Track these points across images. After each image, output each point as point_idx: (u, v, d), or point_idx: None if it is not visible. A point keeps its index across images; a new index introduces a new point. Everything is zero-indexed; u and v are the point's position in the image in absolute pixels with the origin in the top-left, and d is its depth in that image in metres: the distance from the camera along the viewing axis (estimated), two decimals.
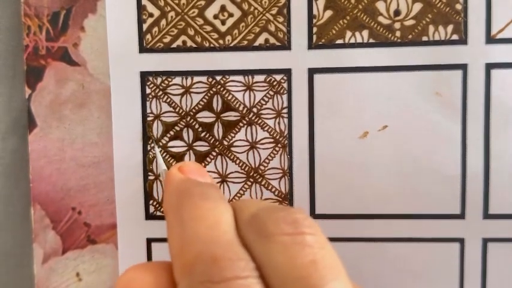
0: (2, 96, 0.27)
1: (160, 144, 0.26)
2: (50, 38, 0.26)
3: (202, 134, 0.26)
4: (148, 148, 0.26)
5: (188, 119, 0.26)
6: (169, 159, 0.26)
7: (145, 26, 0.26)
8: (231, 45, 0.26)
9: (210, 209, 0.17)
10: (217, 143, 0.26)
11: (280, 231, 0.16)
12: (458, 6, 0.25)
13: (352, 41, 0.25)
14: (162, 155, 0.26)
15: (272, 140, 0.26)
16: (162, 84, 0.26)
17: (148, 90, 0.26)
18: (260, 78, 0.26)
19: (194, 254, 0.16)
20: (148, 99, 0.26)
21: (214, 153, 0.26)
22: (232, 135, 0.26)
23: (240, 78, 0.26)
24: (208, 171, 0.26)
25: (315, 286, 0.14)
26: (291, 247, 0.15)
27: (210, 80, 0.26)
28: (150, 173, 0.26)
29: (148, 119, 0.26)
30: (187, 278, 0.15)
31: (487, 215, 0.26)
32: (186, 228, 0.17)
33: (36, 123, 0.27)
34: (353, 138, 0.25)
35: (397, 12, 0.25)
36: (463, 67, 0.25)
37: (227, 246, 0.16)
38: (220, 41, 0.26)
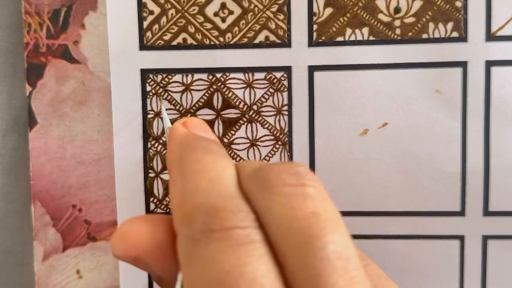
0: (2, 93, 0.27)
1: (161, 141, 0.26)
2: (51, 35, 0.26)
3: None
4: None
5: (188, 116, 0.26)
6: None
7: (145, 24, 0.26)
8: (231, 42, 0.26)
9: (212, 162, 0.17)
10: None
11: (282, 182, 0.16)
12: (458, 4, 0.25)
13: (353, 38, 0.25)
14: (162, 152, 0.26)
15: (272, 138, 0.26)
16: (163, 82, 0.26)
17: (148, 88, 0.26)
18: (260, 75, 0.26)
19: (195, 204, 0.16)
20: (148, 96, 0.26)
21: None
22: (233, 132, 0.26)
23: (240, 75, 0.26)
24: None
25: (314, 236, 0.14)
26: (292, 198, 0.15)
27: (210, 77, 0.26)
28: (150, 171, 0.26)
29: (149, 116, 0.26)
30: (187, 227, 0.15)
31: (487, 212, 0.26)
32: (187, 181, 0.17)
33: (36, 121, 0.27)
34: (353, 136, 0.26)
35: (397, 10, 0.25)
36: (463, 64, 0.25)
37: (228, 198, 0.16)
38: (221, 39, 0.26)
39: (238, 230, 0.15)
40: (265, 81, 0.26)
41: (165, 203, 0.26)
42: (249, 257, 0.14)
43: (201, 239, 0.15)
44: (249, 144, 0.26)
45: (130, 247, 0.17)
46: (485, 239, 0.26)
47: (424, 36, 0.25)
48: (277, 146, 0.26)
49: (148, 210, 0.26)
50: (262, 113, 0.26)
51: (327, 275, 0.14)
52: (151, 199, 0.26)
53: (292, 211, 0.15)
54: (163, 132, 0.26)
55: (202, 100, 0.26)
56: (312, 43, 0.25)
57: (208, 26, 0.26)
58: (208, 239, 0.15)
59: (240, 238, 0.15)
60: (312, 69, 0.25)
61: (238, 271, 0.14)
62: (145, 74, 0.26)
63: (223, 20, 0.26)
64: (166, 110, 0.26)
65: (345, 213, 0.26)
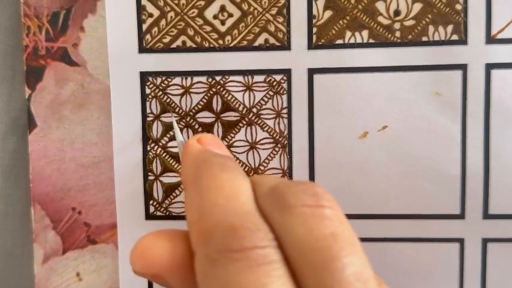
0: (1, 96, 0.27)
1: (160, 144, 0.26)
2: (50, 38, 0.26)
3: None
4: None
5: (188, 119, 0.26)
6: (169, 160, 0.26)
7: (145, 26, 0.26)
8: (231, 45, 0.25)
9: (228, 179, 0.17)
10: None
11: (301, 203, 0.16)
12: (458, 7, 0.25)
13: (352, 41, 0.25)
14: (162, 154, 0.26)
15: (272, 140, 0.26)
16: (162, 85, 0.26)
17: (148, 91, 0.26)
18: (260, 78, 0.26)
19: (212, 223, 0.16)
20: (148, 99, 0.26)
21: None
22: (232, 135, 0.26)
23: (239, 78, 0.26)
24: None
25: (334, 257, 0.14)
26: (311, 219, 0.15)
27: (210, 80, 0.26)
28: (150, 173, 0.26)
29: (148, 118, 0.26)
30: (205, 246, 0.15)
31: (486, 215, 0.26)
32: (204, 198, 0.16)
33: (36, 124, 0.27)
34: (353, 139, 0.25)
35: (397, 13, 0.25)
36: (463, 67, 0.25)
37: (246, 217, 0.16)
38: (220, 41, 0.26)
39: (257, 250, 0.15)
40: (265, 84, 0.26)
41: (164, 205, 0.26)
42: (268, 278, 0.14)
43: (219, 259, 0.15)
44: (248, 147, 0.26)
45: (149, 264, 0.17)
46: (485, 242, 0.26)
47: (424, 39, 0.25)
48: (276, 148, 0.26)
49: (147, 213, 0.26)
50: (261, 116, 0.26)
51: None
52: (151, 202, 0.26)
53: (311, 232, 0.15)
54: (162, 135, 0.26)
55: (201, 103, 0.26)
56: (311, 46, 0.25)
57: (208, 28, 0.26)
58: (226, 259, 0.15)
59: (259, 258, 0.14)
60: (312, 72, 0.25)
61: None
62: (144, 76, 0.26)
63: (223, 22, 0.25)
64: (166, 112, 0.26)
65: None
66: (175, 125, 0.24)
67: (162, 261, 0.17)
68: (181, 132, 0.26)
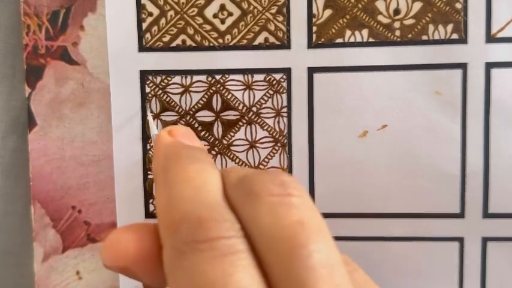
0: (1, 95, 0.27)
1: None
2: (50, 37, 0.26)
3: (202, 133, 0.26)
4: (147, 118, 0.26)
5: (188, 118, 0.26)
6: None
7: (144, 25, 0.26)
8: (231, 44, 0.25)
9: (197, 171, 0.17)
10: (216, 142, 0.26)
11: (267, 192, 0.16)
12: (458, 5, 0.25)
13: (352, 40, 0.25)
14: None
15: (272, 139, 0.26)
16: (162, 83, 0.26)
17: (147, 89, 0.26)
18: (260, 77, 0.26)
19: (179, 214, 0.16)
20: (147, 98, 0.26)
21: (213, 153, 0.26)
22: (232, 134, 0.26)
23: (239, 77, 0.26)
24: None
25: (300, 245, 0.14)
26: (278, 208, 0.15)
27: (210, 79, 0.26)
28: (149, 172, 0.26)
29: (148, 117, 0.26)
30: (172, 238, 0.15)
31: (486, 214, 0.26)
32: (172, 190, 0.16)
33: (36, 122, 0.27)
34: (353, 138, 0.25)
35: (396, 11, 0.25)
36: (463, 66, 0.25)
37: (213, 208, 0.16)
38: (220, 40, 0.26)
39: (222, 240, 0.15)
40: (265, 83, 0.26)
41: None
42: (234, 268, 0.14)
43: (186, 250, 0.15)
44: (248, 146, 0.26)
45: (117, 257, 0.17)
46: (485, 241, 0.26)
47: (424, 37, 0.25)
48: (276, 147, 0.26)
49: (147, 212, 0.26)
50: (261, 115, 0.26)
51: (312, 283, 0.14)
52: (151, 200, 0.26)
53: (277, 220, 0.15)
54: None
55: (201, 102, 0.26)
56: (311, 45, 0.25)
57: (208, 27, 0.26)
58: (192, 250, 0.15)
59: (225, 248, 0.15)
60: (312, 70, 0.25)
61: (223, 282, 0.14)
62: (144, 75, 0.26)
63: (223, 21, 0.25)
64: (166, 110, 0.26)
65: (344, 215, 0.26)
66: (149, 117, 0.24)
67: (129, 254, 0.17)
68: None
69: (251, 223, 0.15)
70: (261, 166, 0.26)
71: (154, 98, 0.26)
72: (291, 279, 0.14)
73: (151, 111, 0.26)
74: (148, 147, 0.26)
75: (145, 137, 0.26)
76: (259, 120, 0.26)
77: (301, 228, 0.15)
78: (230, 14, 0.25)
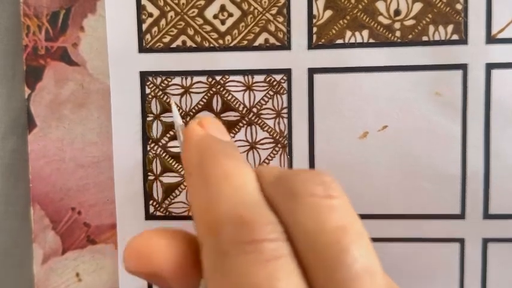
0: (1, 96, 0.27)
1: (160, 144, 0.26)
2: (49, 38, 0.26)
3: None
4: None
5: (188, 119, 0.26)
6: (169, 160, 0.26)
7: (144, 26, 0.26)
8: (231, 45, 0.25)
9: (235, 168, 0.16)
10: None
11: (308, 192, 0.15)
12: (459, 6, 0.25)
13: (352, 40, 0.25)
14: (161, 154, 0.26)
15: (272, 140, 0.26)
16: (162, 84, 0.26)
17: (148, 90, 0.26)
18: (260, 78, 0.26)
19: (221, 213, 0.15)
20: (147, 99, 0.26)
21: None
22: (232, 135, 0.26)
23: (239, 78, 0.26)
24: None
25: (343, 251, 0.14)
26: (319, 210, 0.15)
27: (210, 80, 0.26)
28: (149, 173, 0.26)
29: (148, 118, 0.26)
30: (214, 238, 0.15)
31: (487, 215, 0.26)
32: (211, 187, 0.16)
33: (35, 123, 0.27)
34: (353, 139, 0.25)
35: (397, 12, 0.25)
36: (463, 67, 0.25)
37: (255, 208, 0.15)
38: (220, 41, 0.25)
39: (268, 243, 0.14)
40: (265, 84, 0.26)
41: (164, 206, 0.26)
42: (279, 272, 0.14)
43: (230, 251, 0.14)
44: (248, 147, 0.26)
45: (146, 262, 0.17)
46: (485, 242, 0.26)
47: (424, 38, 0.25)
48: (276, 148, 0.26)
49: (147, 213, 0.26)
50: (261, 116, 0.26)
51: None
52: (151, 202, 0.26)
53: (320, 225, 0.15)
54: (162, 135, 0.26)
55: (201, 103, 0.26)
56: (311, 45, 0.25)
57: (208, 28, 0.25)
58: (237, 251, 0.14)
59: (270, 252, 0.14)
60: (312, 71, 0.25)
61: (268, 286, 0.14)
62: (144, 76, 0.26)
63: (223, 22, 0.25)
64: (166, 112, 0.26)
65: None
66: (174, 108, 0.23)
67: (160, 260, 0.16)
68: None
69: (292, 226, 0.15)
70: None
71: (154, 99, 0.26)
72: (335, 285, 0.14)
73: (152, 112, 0.26)
74: (148, 148, 0.26)
75: (146, 138, 0.26)
76: (260, 121, 0.26)
77: (343, 233, 0.14)
78: (230, 15, 0.25)
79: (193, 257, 0.16)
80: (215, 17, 0.25)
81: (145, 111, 0.26)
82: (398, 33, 0.25)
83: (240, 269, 0.14)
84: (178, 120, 0.22)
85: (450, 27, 0.25)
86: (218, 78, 0.26)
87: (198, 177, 0.17)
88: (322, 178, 0.16)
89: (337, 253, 0.14)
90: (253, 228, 0.15)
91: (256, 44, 0.25)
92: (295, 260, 0.15)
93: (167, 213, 0.26)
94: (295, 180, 0.16)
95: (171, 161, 0.26)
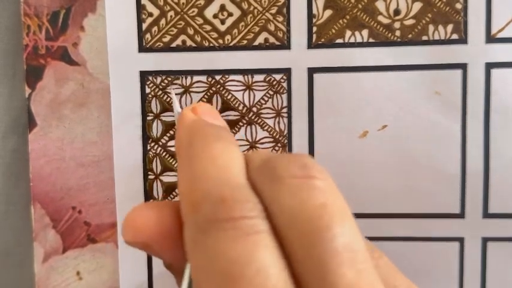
0: (1, 95, 0.27)
1: (160, 143, 0.26)
2: (50, 37, 0.26)
3: None
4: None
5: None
6: (169, 159, 0.26)
7: (144, 26, 0.26)
8: (231, 44, 0.25)
9: (221, 149, 0.17)
10: None
11: (290, 174, 0.15)
12: (458, 6, 0.25)
13: (352, 40, 0.25)
14: (162, 153, 0.26)
15: (272, 140, 0.26)
16: (162, 84, 0.26)
17: (147, 90, 0.26)
18: (260, 77, 0.26)
19: (202, 192, 0.15)
20: (147, 98, 0.26)
21: None
22: (232, 134, 0.26)
23: (239, 77, 0.26)
24: None
25: (323, 228, 0.14)
26: (301, 190, 0.15)
27: (210, 79, 0.26)
28: (150, 172, 0.26)
29: (148, 118, 0.26)
30: (194, 215, 0.15)
31: (486, 214, 0.26)
32: (196, 167, 0.16)
33: (36, 123, 0.27)
34: (353, 138, 0.25)
35: (396, 12, 0.25)
36: (463, 66, 0.25)
37: (236, 188, 0.16)
38: (220, 41, 0.26)
39: (245, 220, 0.15)
40: (265, 83, 0.26)
41: None
42: (256, 247, 0.14)
43: (208, 228, 0.15)
44: (248, 147, 0.26)
45: (138, 233, 0.17)
46: (485, 241, 0.26)
47: (424, 38, 0.25)
48: (276, 148, 0.26)
49: None
50: (261, 115, 0.26)
51: (335, 266, 0.14)
52: (151, 201, 0.26)
53: (300, 202, 0.15)
54: (162, 134, 0.26)
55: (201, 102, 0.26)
56: (311, 45, 0.25)
57: (208, 28, 0.26)
58: (215, 229, 0.15)
59: (247, 228, 0.14)
60: (312, 71, 0.25)
61: (245, 260, 0.14)
62: (144, 76, 0.26)
63: (223, 22, 0.25)
64: (166, 111, 0.26)
65: None
66: (173, 95, 0.23)
67: (149, 230, 0.17)
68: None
69: (273, 205, 0.15)
70: None
71: (154, 99, 0.26)
72: (313, 261, 0.14)
73: (152, 112, 0.26)
74: (148, 147, 0.26)
75: (146, 137, 0.26)
76: (260, 120, 0.26)
77: (324, 211, 0.15)
78: (230, 15, 0.25)
79: (182, 229, 0.17)
80: (215, 16, 0.25)
81: (145, 110, 0.26)
82: (398, 33, 0.25)
83: (218, 245, 0.14)
84: (177, 108, 0.22)
85: (450, 27, 0.25)
86: (218, 77, 0.26)
87: (185, 158, 0.17)
88: (304, 160, 0.16)
89: (317, 229, 0.14)
90: (232, 206, 0.15)
91: (256, 43, 0.25)
92: (274, 237, 0.15)
93: None
94: (278, 162, 0.16)
95: (171, 160, 0.26)
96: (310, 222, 0.14)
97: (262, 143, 0.26)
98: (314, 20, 0.25)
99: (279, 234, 0.15)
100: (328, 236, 0.14)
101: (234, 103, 0.26)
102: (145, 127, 0.26)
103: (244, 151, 0.26)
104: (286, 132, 0.26)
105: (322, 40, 0.25)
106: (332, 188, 0.16)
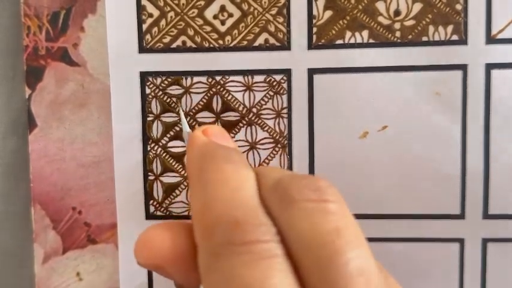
0: (1, 96, 0.27)
1: (160, 144, 0.26)
2: (50, 38, 0.26)
3: None
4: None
5: (188, 119, 0.26)
6: (169, 160, 0.26)
7: (145, 26, 0.26)
8: (231, 45, 0.25)
9: (233, 172, 0.17)
10: None
11: (304, 197, 0.16)
12: (459, 7, 0.25)
13: (352, 41, 0.25)
14: (162, 154, 0.26)
15: (272, 141, 0.26)
16: (162, 85, 0.26)
17: (148, 90, 0.26)
18: (260, 78, 0.26)
19: (216, 216, 0.15)
20: (148, 99, 0.26)
21: None
22: (232, 135, 0.26)
23: (239, 78, 0.26)
24: None
25: (337, 252, 0.14)
26: (315, 214, 0.15)
27: (210, 80, 0.26)
28: (150, 173, 0.26)
29: (148, 118, 0.26)
30: (208, 240, 0.15)
31: (486, 215, 0.26)
32: (208, 191, 0.16)
33: (36, 123, 0.27)
34: (353, 139, 0.25)
35: (397, 13, 0.25)
36: (463, 67, 0.25)
37: (249, 211, 0.16)
38: (220, 41, 0.26)
39: (260, 244, 0.15)
40: (265, 84, 0.26)
41: (164, 205, 0.26)
42: (271, 271, 0.14)
43: (222, 253, 0.15)
44: (248, 147, 0.26)
45: (152, 255, 0.17)
46: (485, 242, 0.26)
47: (424, 39, 0.25)
48: (276, 149, 0.26)
49: (148, 213, 0.26)
50: (261, 116, 0.26)
51: None
52: (151, 202, 0.26)
53: (314, 227, 0.15)
54: (162, 135, 0.26)
55: (201, 103, 0.26)
56: (311, 46, 0.25)
57: (208, 28, 0.26)
58: (229, 253, 0.15)
59: (262, 252, 0.14)
60: (312, 72, 0.25)
61: (260, 285, 0.14)
62: (144, 76, 0.26)
63: (223, 22, 0.25)
64: (166, 112, 0.26)
65: None
66: (182, 115, 0.24)
67: (163, 252, 0.17)
68: (182, 133, 0.26)
69: (287, 228, 0.15)
70: None
71: (154, 99, 0.26)
72: (328, 286, 0.14)
73: (152, 112, 0.26)
74: (148, 148, 0.26)
75: (146, 138, 0.26)
76: (260, 121, 0.26)
77: (337, 235, 0.15)
78: (230, 15, 0.25)
79: (196, 251, 0.16)
80: (215, 17, 0.25)
81: (145, 111, 0.26)
82: (398, 34, 0.25)
83: (232, 270, 0.14)
84: (186, 128, 0.23)
85: (450, 28, 0.25)
86: (218, 78, 0.26)
87: (197, 181, 0.17)
88: (317, 183, 0.16)
89: (331, 253, 0.14)
90: (246, 230, 0.15)
91: (256, 44, 0.25)
92: (288, 261, 0.15)
93: (167, 213, 0.26)
94: (292, 186, 0.16)
95: (171, 161, 0.26)
96: (324, 247, 0.14)
97: (262, 144, 0.26)
98: (314, 21, 0.25)
99: (293, 258, 0.15)
100: (342, 261, 0.14)
101: (234, 104, 0.26)
102: (146, 128, 0.26)
103: (244, 152, 0.26)
104: (286, 133, 0.26)
105: (323, 41, 0.25)
106: (345, 211, 0.16)
